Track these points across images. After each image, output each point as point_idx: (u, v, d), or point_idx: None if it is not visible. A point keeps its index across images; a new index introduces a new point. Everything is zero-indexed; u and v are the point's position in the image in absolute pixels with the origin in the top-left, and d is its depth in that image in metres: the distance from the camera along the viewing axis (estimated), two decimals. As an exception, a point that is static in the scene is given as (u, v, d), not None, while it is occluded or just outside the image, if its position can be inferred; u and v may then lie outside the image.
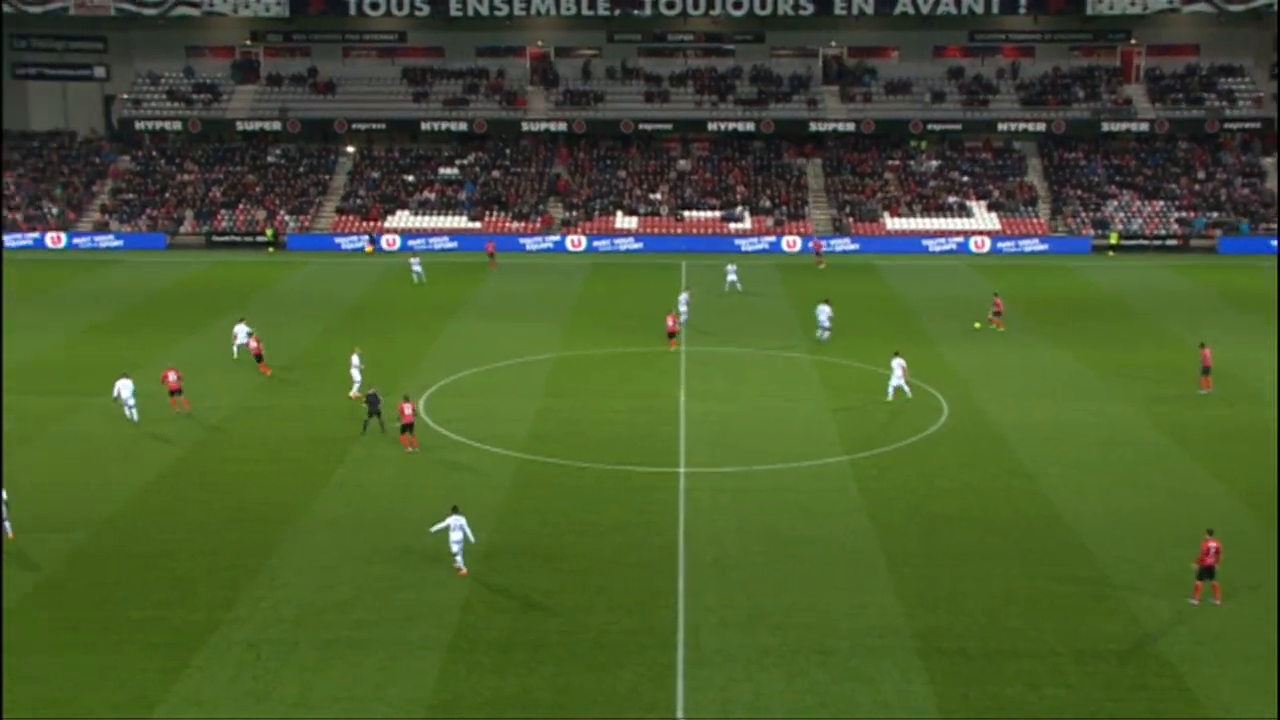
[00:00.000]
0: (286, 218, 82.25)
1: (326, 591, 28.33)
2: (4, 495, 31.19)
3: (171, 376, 42.06)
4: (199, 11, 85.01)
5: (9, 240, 79.10)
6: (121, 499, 33.95)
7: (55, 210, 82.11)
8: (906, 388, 43.58)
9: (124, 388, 40.82)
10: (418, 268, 66.19)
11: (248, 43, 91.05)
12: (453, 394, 44.56)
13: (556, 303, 61.35)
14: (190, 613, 27.23)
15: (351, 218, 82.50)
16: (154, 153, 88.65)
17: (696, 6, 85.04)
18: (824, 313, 52.99)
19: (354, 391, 43.39)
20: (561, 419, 41.45)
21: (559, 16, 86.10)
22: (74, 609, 27.38)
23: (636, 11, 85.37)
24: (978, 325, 55.89)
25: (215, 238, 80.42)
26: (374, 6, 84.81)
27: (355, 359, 44.23)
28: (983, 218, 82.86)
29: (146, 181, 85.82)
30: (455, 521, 29.42)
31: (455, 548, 29.32)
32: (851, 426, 40.77)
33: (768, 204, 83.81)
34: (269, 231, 79.91)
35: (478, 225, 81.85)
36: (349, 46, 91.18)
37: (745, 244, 79.61)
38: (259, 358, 47.17)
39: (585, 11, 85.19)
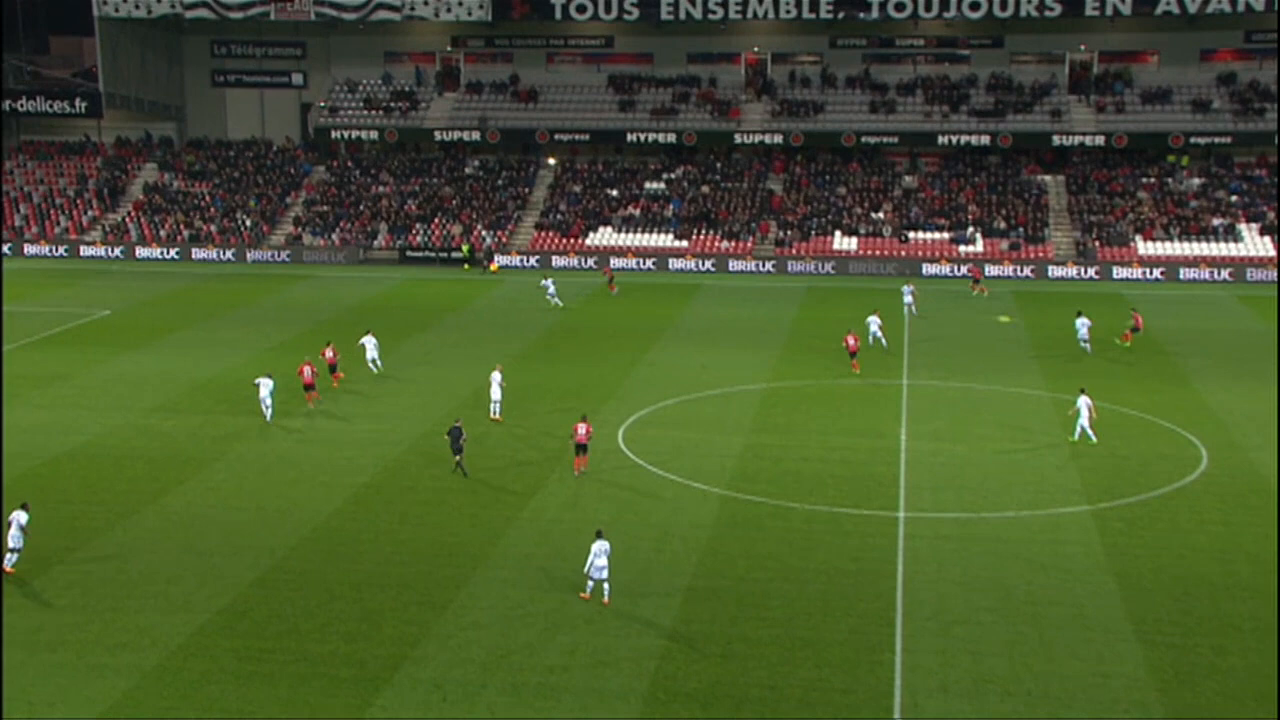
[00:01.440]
0: (483, 233, 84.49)
1: (516, 632, 28.89)
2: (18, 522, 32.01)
3: (307, 371, 46.79)
4: (399, 15, 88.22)
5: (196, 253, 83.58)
6: (308, 524, 35.33)
7: (249, 222, 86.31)
8: (1091, 432, 42.13)
9: (264, 386, 45.02)
10: (551, 289, 67.13)
11: (448, 48, 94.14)
12: (654, 424, 44.97)
13: (768, 329, 61.36)
14: (376, 648, 28.12)
15: (551, 234, 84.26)
16: (349, 163, 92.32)
17: (929, 9, 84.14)
18: (1083, 325, 55.18)
19: (495, 413, 44.74)
20: (770, 455, 41.38)
21: (778, 20, 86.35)
22: (259, 638, 28.59)
23: (862, 15, 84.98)
24: (1117, 341, 57.04)
25: (409, 253, 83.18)
26: (580, 10, 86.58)
27: (496, 376, 45.43)
28: (1255, 243, 79.46)
29: (341, 193, 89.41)
30: (600, 547, 30.06)
31: (597, 574, 29.94)
32: (1094, 472, 39.52)
33: (1003, 225, 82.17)
34: (465, 247, 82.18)
35: (684, 244, 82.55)
36: (553, 52, 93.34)
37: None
38: (332, 368, 49.40)
39: (806, 15, 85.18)
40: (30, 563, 32.46)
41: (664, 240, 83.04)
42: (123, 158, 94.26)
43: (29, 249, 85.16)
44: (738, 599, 30.51)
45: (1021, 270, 78.13)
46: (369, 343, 51.96)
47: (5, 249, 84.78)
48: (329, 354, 50.04)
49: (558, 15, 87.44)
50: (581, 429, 39.10)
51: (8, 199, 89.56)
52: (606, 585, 30.09)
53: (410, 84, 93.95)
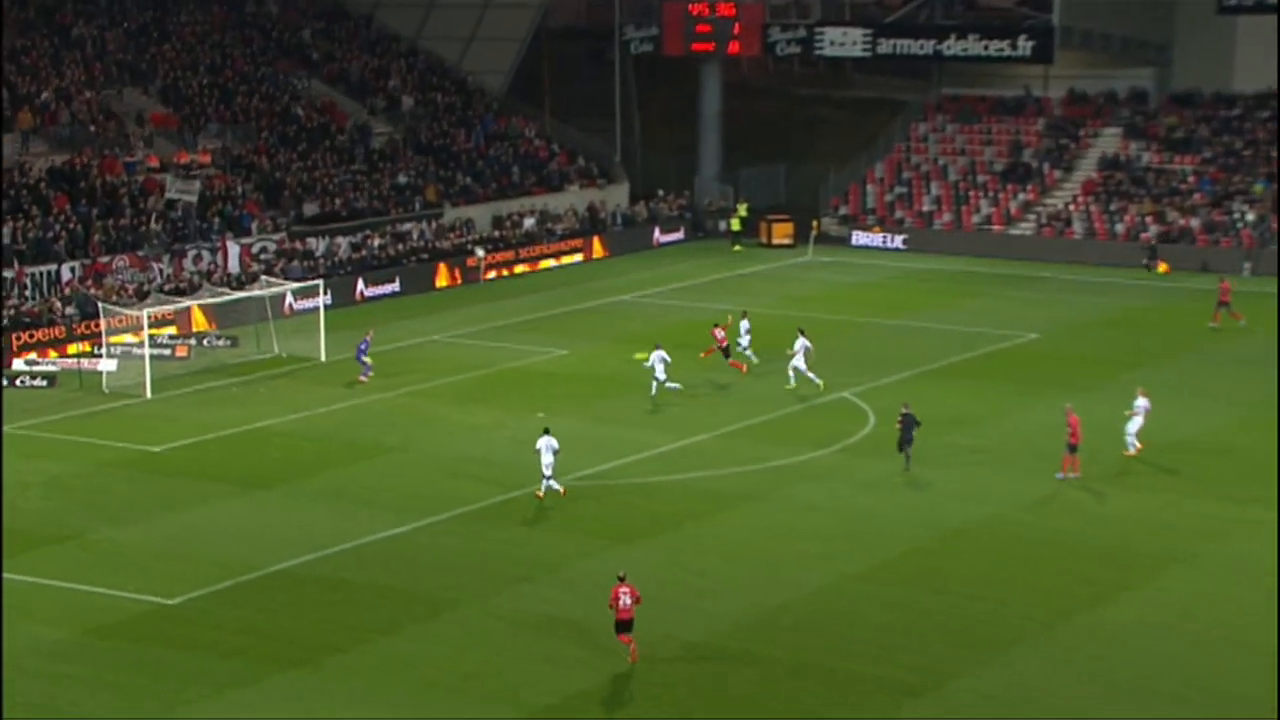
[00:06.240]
0: None
1: None
2: None
3: (719, 333, 60.81)
4: None
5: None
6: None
7: (1251, 216, 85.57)
8: None
9: (656, 359, 56.79)
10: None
11: None
12: None
13: None
14: None
15: None
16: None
17: None
18: None
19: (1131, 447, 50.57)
20: None
21: None
22: None
23: None
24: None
25: None
26: None
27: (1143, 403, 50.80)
28: None
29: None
30: None
31: None
32: None
33: None
34: None
35: None
36: None
37: None
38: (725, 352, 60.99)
39: None
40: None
41: None
42: (1074, 119, 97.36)
43: (932, 240, 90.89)
44: None
45: None
46: (800, 347, 58.81)
47: (898, 241, 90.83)
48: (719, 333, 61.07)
49: None
50: (1073, 416, 47.63)
51: (917, 175, 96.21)
52: None
53: None
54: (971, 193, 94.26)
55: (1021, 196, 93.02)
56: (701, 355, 61.48)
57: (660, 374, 57.40)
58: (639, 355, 60.44)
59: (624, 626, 35.15)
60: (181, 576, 40.73)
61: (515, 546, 43.22)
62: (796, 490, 47.85)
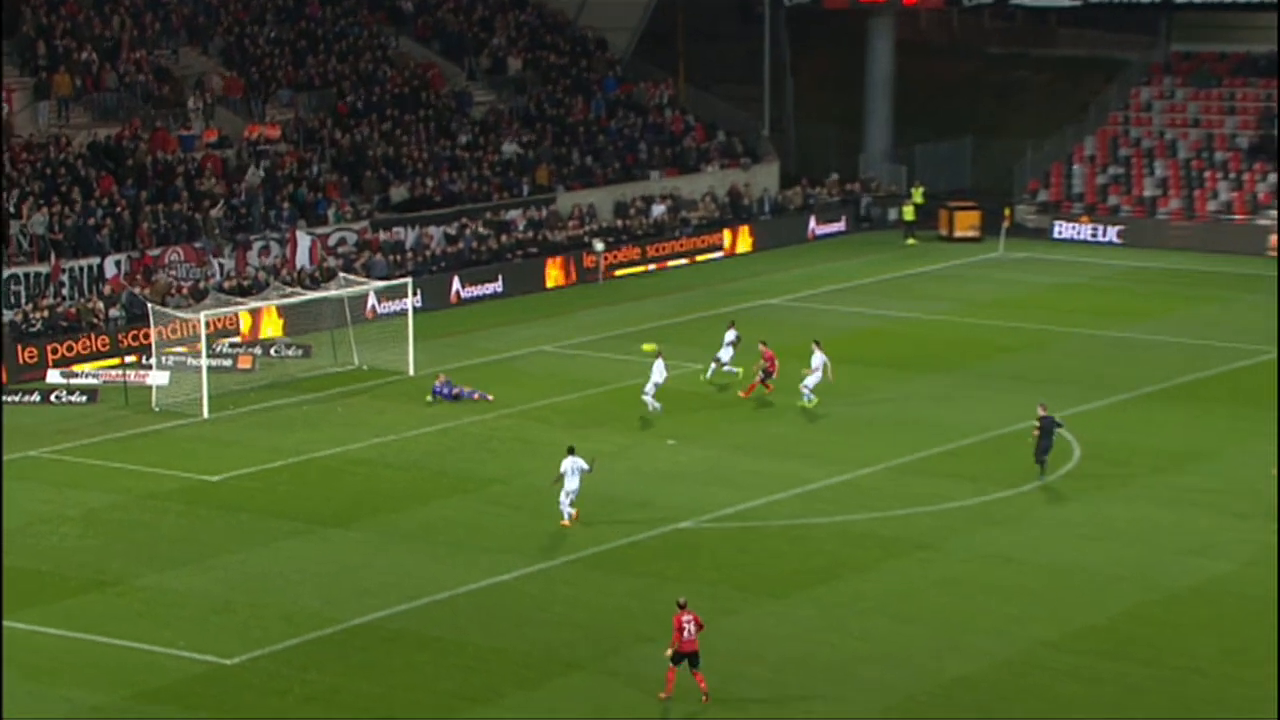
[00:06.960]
0: None
1: None
2: None
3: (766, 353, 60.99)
4: None
5: None
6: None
7: None
8: None
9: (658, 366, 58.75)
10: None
11: None
12: None
13: None
14: None
15: None
16: None
17: None
18: None
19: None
20: None
21: None
22: None
23: None
24: None
25: None
26: None
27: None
28: None
29: None
30: None
31: None
32: None
33: None
34: None
35: None
36: None
37: None
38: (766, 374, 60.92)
39: None
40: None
41: None
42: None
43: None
44: None
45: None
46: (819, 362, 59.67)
47: (1112, 234, 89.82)
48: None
49: None
50: None
51: (1138, 153, 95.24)
52: None
53: None
54: (1207, 174, 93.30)
55: (1272, 178, 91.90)
56: (743, 393, 62.02)
57: (650, 385, 58.77)
58: (646, 346, 62.47)
59: (689, 660, 36.40)
60: (242, 632, 41.26)
61: (640, 599, 43.39)
62: (981, 537, 47.83)
